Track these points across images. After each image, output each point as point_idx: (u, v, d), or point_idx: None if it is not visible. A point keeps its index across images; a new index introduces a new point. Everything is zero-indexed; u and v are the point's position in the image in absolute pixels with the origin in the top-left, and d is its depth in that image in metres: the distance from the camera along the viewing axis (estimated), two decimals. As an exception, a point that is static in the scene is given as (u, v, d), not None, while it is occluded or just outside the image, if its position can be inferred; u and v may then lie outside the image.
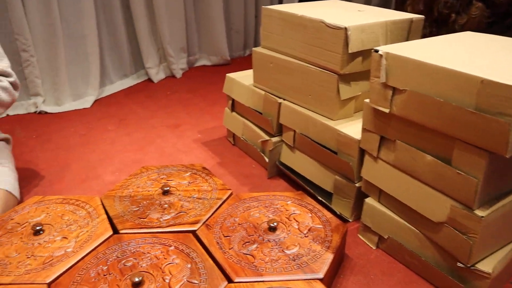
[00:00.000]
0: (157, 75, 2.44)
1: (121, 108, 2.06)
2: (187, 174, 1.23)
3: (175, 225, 1.02)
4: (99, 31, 2.18)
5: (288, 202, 1.11)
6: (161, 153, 1.60)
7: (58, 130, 1.82)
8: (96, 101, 2.16)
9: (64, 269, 0.90)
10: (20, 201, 1.26)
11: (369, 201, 1.07)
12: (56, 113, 2.05)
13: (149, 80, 2.43)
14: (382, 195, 1.03)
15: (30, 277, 0.88)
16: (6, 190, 1.17)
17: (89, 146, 1.67)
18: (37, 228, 1.01)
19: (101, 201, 1.12)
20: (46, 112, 2.05)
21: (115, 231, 1.02)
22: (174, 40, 2.46)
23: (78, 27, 2.10)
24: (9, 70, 1.26)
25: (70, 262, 0.91)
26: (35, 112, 2.06)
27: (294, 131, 1.30)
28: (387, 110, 0.92)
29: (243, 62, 2.72)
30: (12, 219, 1.07)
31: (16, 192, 1.22)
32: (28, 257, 0.94)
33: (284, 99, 1.35)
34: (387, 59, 0.90)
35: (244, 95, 1.50)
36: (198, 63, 2.71)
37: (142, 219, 1.04)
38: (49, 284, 0.86)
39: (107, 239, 0.99)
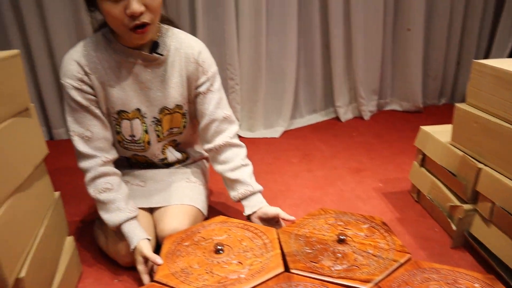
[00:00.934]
0: (345, 114, 2.47)
1: (306, 142, 2.14)
2: (365, 226, 1.19)
3: (346, 278, 0.99)
4: (297, 68, 2.32)
5: (476, 285, 0.97)
6: (340, 196, 1.59)
7: (248, 156, 1.99)
8: (284, 132, 2.29)
9: None
10: (207, 217, 1.40)
11: None
12: (248, 138, 2.24)
13: (337, 118, 2.47)
14: None
15: None
16: (198, 208, 1.31)
17: (273, 176, 1.78)
18: (219, 247, 1.10)
19: (278, 235, 1.16)
20: (240, 136, 2.26)
21: (286, 267, 1.05)
22: (367, 81, 2.47)
23: (280, 64, 2.28)
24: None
25: None
26: (231, 134, 2.29)
27: (493, 203, 1.15)
28: None
29: (436, 112, 2.56)
30: (199, 232, 1.19)
31: (205, 210, 1.35)
32: (206, 272, 1.03)
33: (486, 165, 1.21)
34: None
35: (438, 152, 1.39)
36: (388, 107, 2.65)
37: (313, 263, 1.04)
38: None
39: (277, 275, 1.02)
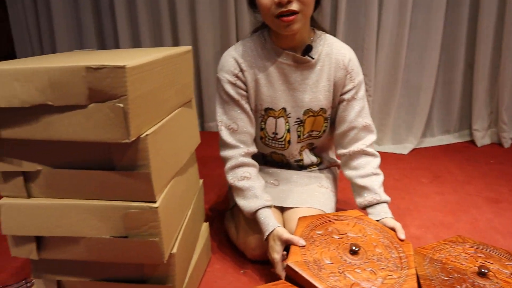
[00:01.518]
0: (482, 139, 2.29)
1: (437, 163, 2.03)
2: (510, 263, 1.10)
3: (487, 314, 0.93)
4: (435, 85, 2.22)
5: None
6: (473, 225, 1.49)
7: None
8: (413, 150, 2.21)
9: None
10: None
11: None
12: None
13: (471, 142, 2.31)
14: None
15: None
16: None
17: (400, 193, 1.72)
18: (354, 248, 1.05)
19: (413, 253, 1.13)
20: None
21: (419, 290, 1.01)
22: (512, 106, 2.27)
23: (417, 79, 2.20)
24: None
25: None
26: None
27: None
28: None
29: None
30: (333, 223, 1.17)
31: None
32: (339, 272, 1.00)
33: None
34: None
35: None
36: (534, 137, 2.40)
37: (450, 292, 1.00)
38: None
39: None
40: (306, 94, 1.26)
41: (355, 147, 1.28)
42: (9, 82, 0.75)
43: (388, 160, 2.07)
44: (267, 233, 1.15)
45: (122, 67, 0.70)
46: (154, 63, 0.83)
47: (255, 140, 1.33)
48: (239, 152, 1.25)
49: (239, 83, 1.24)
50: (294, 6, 1.09)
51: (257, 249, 1.25)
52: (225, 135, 1.25)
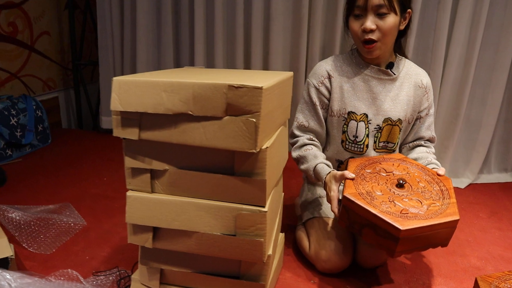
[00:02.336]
0: (541, 180, 2.32)
1: (494, 200, 2.08)
2: None
3: None
4: (497, 122, 2.27)
5: None
6: (534, 262, 1.54)
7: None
8: (470, 184, 2.26)
9: (416, 226, 1.06)
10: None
11: None
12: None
13: (529, 182, 2.34)
14: None
15: (390, 217, 1.07)
16: None
17: (459, 224, 1.77)
18: (401, 181, 1.21)
19: (476, 281, 1.21)
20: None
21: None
22: None
23: (479, 115, 2.25)
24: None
25: (421, 223, 1.07)
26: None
27: None
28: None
29: None
30: (380, 164, 1.32)
31: None
32: (389, 201, 1.15)
33: None
34: None
35: None
36: None
37: (517, 319, 1.07)
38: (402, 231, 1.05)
39: (454, 221, 1.11)
40: (386, 103, 1.41)
41: (417, 144, 1.51)
42: (158, 92, 0.91)
43: None
44: (324, 177, 1.31)
45: (260, 88, 0.84)
46: (276, 86, 0.97)
47: (333, 147, 1.48)
48: (306, 136, 1.45)
49: (322, 89, 1.42)
50: (375, 36, 1.29)
51: (328, 262, 1.36)
52: (296, 129, 1.47)
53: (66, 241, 1.55)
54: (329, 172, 1.30)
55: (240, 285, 1.07)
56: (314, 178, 1.38)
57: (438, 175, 1.29)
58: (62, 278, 1.34)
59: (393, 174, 1.28)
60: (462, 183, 2.25)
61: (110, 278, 1.35)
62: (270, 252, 1.05)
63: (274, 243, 1.17)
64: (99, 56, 2.80)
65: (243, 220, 0.96)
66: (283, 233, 1.42)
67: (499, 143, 2.36)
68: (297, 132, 1.46)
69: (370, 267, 1.41)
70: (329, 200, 1.27)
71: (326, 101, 1.44)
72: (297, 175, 1.74)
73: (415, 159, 1.44)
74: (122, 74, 2.77)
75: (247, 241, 0.98)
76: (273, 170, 1.03)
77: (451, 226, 1.14)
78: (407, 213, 1.11)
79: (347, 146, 1.46)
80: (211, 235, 1.00)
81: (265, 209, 0.96)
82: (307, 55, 2.43)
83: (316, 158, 1.38)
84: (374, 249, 1.36)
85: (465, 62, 2.17)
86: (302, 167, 1.41)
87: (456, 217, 1.13)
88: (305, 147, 1.42)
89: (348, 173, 1.24)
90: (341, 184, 1.28)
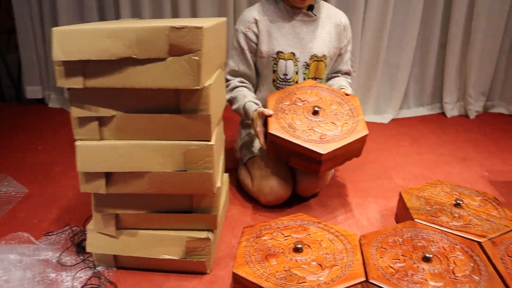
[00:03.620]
0: (451, 111, 2.60)
1: (414, 130, 2.32)
2: (479, 198, 1.38)
3: (462, 231, 1.20)
4: (412, 64, 2.49)
5: None
6: (448, 177, 1.77)
7: (360, 134, 2.22)
8: (392, 119, 2.48)
9: (335, 147, 1.27)
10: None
11: None
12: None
13: (442, 114, 2.61)
14: None
15: (312, 144, 1.27)
16: None
17: (384, 153, 1.99)
18: (316, 109, 1.37)
19: (400, 194, 1.39)
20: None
21: (412, 217, 1.27)
22: (478, 82, 2.57)
23: (396, 58, 2.46)
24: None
25: (338, 145, 1.28)
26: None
27: None
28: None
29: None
30: (295, 94, 1.46)
31: None
32: (309, 129, 1.33)
33: None
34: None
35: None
36: (494, 110, 2.73)
37: (434, 218, 1.26)
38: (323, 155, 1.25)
39: (363, 137, 1.35)
40: (311, 42, 1.54)
41: (335, 76, 1.69)
42: (101, 39, 0.93)
43: (371, 128, 2.27)
44: (251, 113, 1.44)
45: (200, 28, 0.90)
46: (214, 28, 1.03)
47: (265, 87, 1.59)
48: (237, 79, 1.56)
49: (250, 34, 1.52)
50: None
51: (270, 194, 1.48)
52: (227, 75, 1.57)
53: (9, 209, 1.53)
54: (256, 110, 1.43)
55: (194, 218, 1.15)
56: (244, 116, 1.51)
57: (346, 94, 1.47)
58: (13, 242, 1.34)
59: (308, 101, 1.42)
60: (386, 118, 2.47)
61: (63, 235, 1.37)
62: (219, 184, 1.14)
63: (221, 178, 1.26)
64: (17, 24, 2.64)
65: (191, 155, 1.04)
66: (227, 174, 1.52)
67: (415, 82, 2.60)
68: (229, 77, 1.57)
69: (308, 195, 1.56)
70: (257, 135, 1.41)
71: (254, 45, 1.53)
72: (233, 125, 1.82)
73: (330, 85, 1.61)
74: (44, 41, 2.65)
75: (197, 174, 1.06)
76: (215, 108, 1.11)
77: (362, 140, 1.35)
78: (325, 137, 1.30)
79: (278, 84, 1.56)
80: (162, 173, 1.06)
81: (212, 143, 1.03)
82: (234, 3, 2.46)
83: (245, 97, 1.49)
84: (311, 178, 1.49)
85: (382, 7, 2.33)
86: (234, 107, 1.53)
87: (366, 132, 1.34)
88: (236, 89, 1.53)
89: (267, 111, 1.37)
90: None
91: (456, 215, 1.28)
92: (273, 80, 1.57)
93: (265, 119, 1.39)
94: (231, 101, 1.55)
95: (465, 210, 1.30)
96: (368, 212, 1.50)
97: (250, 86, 1.58)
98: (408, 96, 2.61)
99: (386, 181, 1.73)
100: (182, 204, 1.16)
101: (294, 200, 1.54)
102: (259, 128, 1.40)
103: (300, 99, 1.44)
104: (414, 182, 1.71)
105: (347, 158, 1.39)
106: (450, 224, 1.23)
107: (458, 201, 1.32)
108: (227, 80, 1.57)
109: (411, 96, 2.62)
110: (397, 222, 1.44)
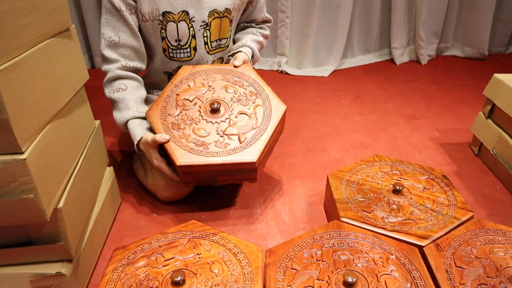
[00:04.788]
0: (401, 57, 2.29)
1: (357, 84, 2.01)
2: (424, 177, 1.10)
3: (401, 232, 0.93)
4: (354, 3, 2.13)
5: (547, 251, 0.88)
6: (393, 143, 1.49)
7: (295, 93, 1.89)
8: (334, 71, 2.16)
9: (262, 145, 1.03)
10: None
11: None
12: (295, 75, 2.13)
13: (391, 60, 2.31)
14: None
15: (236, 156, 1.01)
16: None
17: (321, 116, 1.68)
18: (215, 106, 1.07)
19: (328, 180, 1.10)
20: (286, 73, 2.15)
21: (336, 215, 0.99)
22: (429, 22, 2.25)
23: (336, -3, 2.10)
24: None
25: (264, 141, 1.03)
26: (277, 70, 2.18)
27: None
28: None
29: (502, 60, 2.33)
30: (178, 94, 1.12)
31: None
32: (221, 136, 1.04)
33: None
34: None
35: (511, 104, 1.25)
36: (448, 53, 2.44)
37: (366, 213, 0.98)
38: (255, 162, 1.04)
39: (283, 116, 1.08)
40: None
41: (248, 26, 1.36)
42: None
43: (308, 84, 2.01)
44: (136, 142, 1.09)
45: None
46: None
47: (157, 58, 1.22)
48: (117, 65, 1.13)
49: None
50: None
51: (167, 190, 1.17)
52: (105, 50, 1.13)
53: None
54: (141, 138, 1.07)
55: (37, 251, 0.83)
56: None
57: (235, 66, 1.16)
58: None
59: (198, 98, 1.10)
60: (326, 71, 2.15)
61: None
62: (60, 205, 0.81)
63: (79, 188, 0.92)
64: None
65: (-2, 176, 0.69)
66: (111, 167, 1.18)
67: (359, 23, 2.25)
68: (107, 53, 1.13)
69: (216, 185, 1.24)
70: (158, 169, 1.08)
71: (133, 2, 1.11)
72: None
73: (236, 39, 1.32)
74: None
75: (14, 201, 0.72)
76: (33, 102, 0.75)
77: (283, 118, 1.10)
78: (245, 137, 1.03)
79: (171, 54, 1.20)
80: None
81: (24, 157, 0.69)
82: None
83: (128, 109, 1.11)
84: None
85: None
86: (114, 115, 1.14)
87: (284, 107, 1.09)
88: (116, 85, 1.13)
89: (161, 137, 1.02)
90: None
91: (395, 206, 1.00)
92: (164, 50, 1.19)
93: (159, 145, 1.05)
94: (111, 102, 1.16)
95: (406, 198, 1.02)
96: (293, 200, 1.21)
97: (133, 75, 1.16)
98: (352, 42, 2.27)
99: (318, 154, 1.43)
100: (17, 236, 0.83)
101: (202, 189, 1.23)
102: (157, 162, 1.06)
103: (187, 99, 1.10)
104: (352, 154, 1.42)
105: (276, 141, 1.14)
106: (386, 221, 0.96)
107: (398, 186, 1.04)
108: (105, 59, 1.14)
109: (355, 42, 2.28)
110: (326, 213, 1.16)
